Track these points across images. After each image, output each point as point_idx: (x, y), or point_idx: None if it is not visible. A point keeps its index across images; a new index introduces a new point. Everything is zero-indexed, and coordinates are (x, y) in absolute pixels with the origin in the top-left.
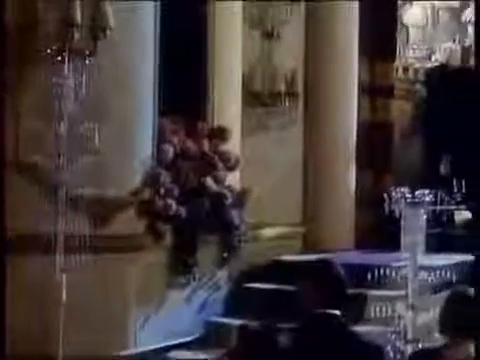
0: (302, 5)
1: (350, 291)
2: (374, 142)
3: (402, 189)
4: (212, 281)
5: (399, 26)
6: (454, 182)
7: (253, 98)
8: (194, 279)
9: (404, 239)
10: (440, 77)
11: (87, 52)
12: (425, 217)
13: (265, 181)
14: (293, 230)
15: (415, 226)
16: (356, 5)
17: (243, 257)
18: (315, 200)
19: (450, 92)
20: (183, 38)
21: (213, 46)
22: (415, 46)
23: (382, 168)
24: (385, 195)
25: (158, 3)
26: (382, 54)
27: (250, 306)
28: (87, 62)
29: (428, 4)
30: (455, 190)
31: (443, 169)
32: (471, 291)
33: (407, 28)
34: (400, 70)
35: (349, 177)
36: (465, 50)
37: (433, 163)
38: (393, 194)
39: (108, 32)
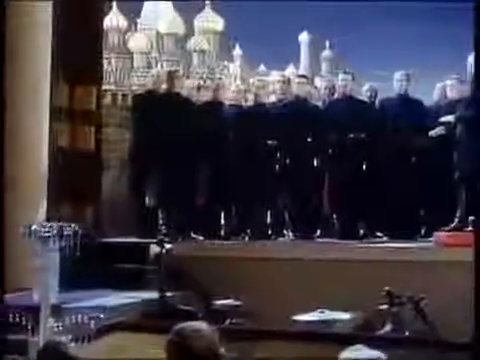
0: None
1: None
2: (74, 171)
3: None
4: None
5: (123, 52)
6: (160, 214)
7: None
8: None
9: (37, 277)
10: (147, 103)
11: None
12: (56, 253)
13: None
14: None
15: (47, 263)
16: (49, 28)
17: None
18: (4, 235)
19: (156, 118)
20: None
21: None
22: (139, 72)
23: (83, 199)
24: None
25: None
26: (89, 80)
27: None
28: None
29: (153, 31)
30: (160, 222)
31: (149, 200)
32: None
33: (132, 54)
34: (119, 97)
35: (40, 210)
36: (170, 75)
37: (139, 194)
38: (21, 229)
39: None
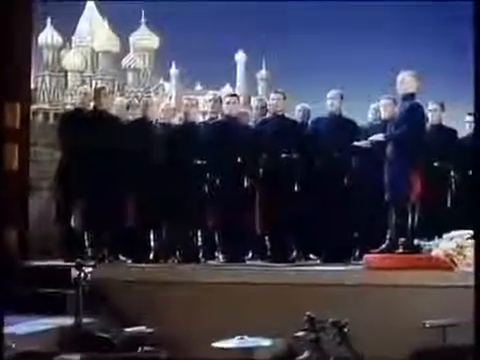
0: None
1: None
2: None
3: None
4: None
5: (57, 70)
6: (85, 236)
7: None
8: None
9: None
10: (74, 122)
11: None
12: None
13: None
14: None
15: None
16: None
17: None
18: None
19: (83, 137)
20: None
21: None
22: (73, 91)
23: (7, 221)
24: None
25: None
26: (13, 97)
27: None
28: None
29: (88, 48)
30: (87, 245)
31: (75, 222)
32: None
33: (66, 72)
34: (51, 115)
35: None
36: (97, 92)
37: (66, 216)
38: None
39: None
